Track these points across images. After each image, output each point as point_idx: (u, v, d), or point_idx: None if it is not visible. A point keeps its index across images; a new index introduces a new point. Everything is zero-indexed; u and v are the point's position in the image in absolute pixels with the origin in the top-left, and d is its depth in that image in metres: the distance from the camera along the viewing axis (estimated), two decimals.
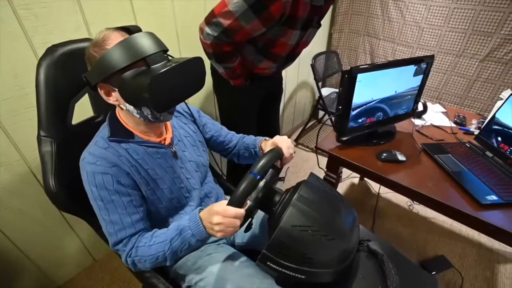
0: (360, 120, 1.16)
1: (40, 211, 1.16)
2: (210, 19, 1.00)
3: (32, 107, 1.00)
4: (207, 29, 1.01)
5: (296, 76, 2.44)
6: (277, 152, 0.73)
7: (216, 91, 1.41)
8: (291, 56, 1.27)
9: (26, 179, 1.08)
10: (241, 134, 1.03)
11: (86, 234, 1.36)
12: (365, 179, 2.08)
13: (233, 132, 1.02)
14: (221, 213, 0.60)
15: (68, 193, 0.70)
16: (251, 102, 1.37)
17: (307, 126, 2.68)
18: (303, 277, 0.58)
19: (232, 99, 1.35)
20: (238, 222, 0.60)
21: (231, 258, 0.78)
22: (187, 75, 0.63)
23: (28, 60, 0.94)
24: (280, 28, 1.05)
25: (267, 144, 0.88)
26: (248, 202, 0.64)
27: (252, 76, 1.26)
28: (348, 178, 2.11)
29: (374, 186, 2.03)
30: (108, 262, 1.47)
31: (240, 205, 0.62)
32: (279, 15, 0.97)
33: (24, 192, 1.08)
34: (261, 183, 0.67)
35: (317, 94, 2.24)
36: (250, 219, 0.67)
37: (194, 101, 1.60)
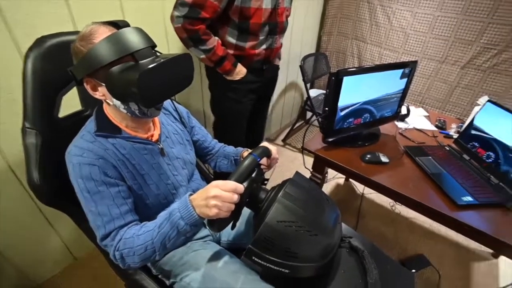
0: (348, 121, 1.19)
1: (19, 209, 1.12)
2: (176, 3, 1.05)
3: (11, 100, 0.97)
4: (175, 13, 1.05)
5: (285, 77, 2.47)
6: (267, 148, 0.77)
7: (211, 89, 1.40)
8: (274, 26, 1.23)
9: (4, 176, 1.04)
10: (222, 144, 1.05)
11: (66, 232, 1.33)
12: (350, 179, 2.13)
13: (216, 140, 1.04)
14: (220, 185, 0.59)
15: (52, 186, 0.68)
16: (245, 102, 1.37)
17: (295, 127, 2.71)
18: (287, 271, 0.60)
19: (226, 97, 1.34)
20: (235, 198, 0.59)
21: (217, 254, 0.78)
22: (175, 71, 0.63)
23: (9, 52, 0.91)
24: None
25: None
26: (245, 185, 0.63)
27: (247, 66, 1.26)
28: (334, 178, 2.16)
29: (359, 187, 2.08)
30: (89, 261, 1.44)
31: (241, 182, 0.61)
32: None
33: (1, 189, 1.05)
34: (254, 174, 0.67)
35: (305, 95, 2.27)
36: (239, 213, 0.68)
37: (181, 95, 1.59)
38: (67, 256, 1.40)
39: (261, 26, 1.17)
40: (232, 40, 1.18)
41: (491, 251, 1.65)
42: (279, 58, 1.48)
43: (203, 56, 1.16)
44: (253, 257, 0.59)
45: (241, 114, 1.41)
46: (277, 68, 1.50)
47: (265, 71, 1.35)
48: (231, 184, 0.59)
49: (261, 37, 1.21)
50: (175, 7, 1.05)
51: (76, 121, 0.75)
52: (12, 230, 1.13)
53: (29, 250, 1.23)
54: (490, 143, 1.11)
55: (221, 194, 0.58)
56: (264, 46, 1.25)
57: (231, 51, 1.21)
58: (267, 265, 0.59)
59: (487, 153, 1.11)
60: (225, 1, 1.06)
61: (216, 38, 1.16)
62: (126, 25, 0.64)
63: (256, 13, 1.12)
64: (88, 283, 1.36)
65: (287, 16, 1.30)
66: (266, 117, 1.70)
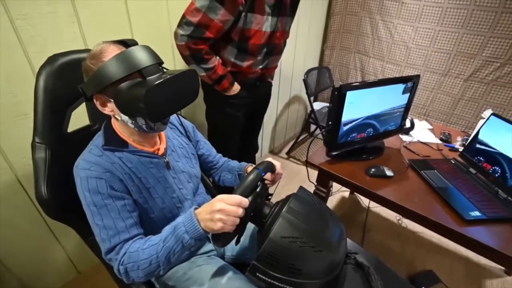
0: (352, 135, 1.19)
1: (25, 221, 1.13)
2: (181, 22, 1.07)
3: (22, 116, 1.00)
4: (180, 31, 1.07)
5: (289, 90, 2.50)
6: (272, 163, 0.78)
7: (205, 100, 1.44)
8: (272, 47, 1.28)
9: (13, 188, 1.06)
10: (226, 158, 1.06)
11: (71, 246, 1.33)
12: (355, 193, 2.11)
13: (220, 154, 1.06)
14: (225, 199, 0.59)
15: (60, 200, 0.69)
16: (238, 114, 1.40)
17: (299, 140, 2.72)
18: None
19: (219, 109, 1.38)
20: (240, 211, 0.59)
21: (221, 270, 0.78)
22: (181, 87, 0.65)
23: (23, 69, 0.95)
24: (248, 15, 1.10)
25: None
26: (249, 199, 0.63)
27: (241, 82, 1.29)
28: (338, 192, 2.14)
29: (364, 200, 2.06)
30: (93, 275, 1.43)
31: (245, 196, 0.61)
32: None
33: (10, 201, 1.06)
34: (258, 189, 0.67)
35: (309, 108, 2.29)
36: (244, 227, 0.68)
37: (186, 109, 1.61)
38: (71, 270, 1.40)
39: (259, 47, 1.21)
40: (230, 58, 1.22)
41: (503, 268, 1.60)
42: (272, 78, 1.52)
43: (203, 74, 1.19)
44: (257, 273, 0.59)
45: (233, 125, 1.44)
46: (269, 85, 1.54)
47: (258, 88, 1.39)
48: (236, 198, 0.59)
49: (259, 58, 1.25)
50: (180, 26, 1.07)
51: (84, 135, 0.77)
52: (17, 240, 1.14)
53: (33, 262, 1.23)
54: (495, 157, 1.10)
55: (226, 207, 0.58)
56: (260, 66, 1.29)
57: (228, 68, 1.24)
58: (271, 281, 0.58)
59: (493, 167, 1.10)
60: (230, 22, 1.09)
61: (218, 58, 1.19)
62: (135, 43, 0.67)
63: (256, 35, 1.16)
64: None
65: (285, 39, 1.35)
66: (258, 133, 1.74)
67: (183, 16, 1.06)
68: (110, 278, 0.78)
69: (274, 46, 1.28)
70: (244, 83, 1.30)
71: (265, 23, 1.15)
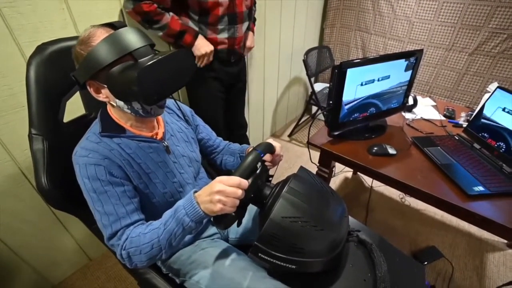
0: (354, 116, 1.17)
1: (33, 211, 1.15)
2: None
3: (20, 107, 0.99)
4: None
5: (289, 72, 2.45)
6: (271, 144, 0.77)
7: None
8: (233, 16, 1.26)
9: (17, 180, 1.07)
10: (227, 141, 1.05)
11: (80, 234, 1.36)
12: (358, 173, 2.11)
13: (220, 138, 1.05)
14: (224, 180, 0.59)
15: (61, 190, 0.69)
16: (216, 89, 1.41)
17: (301, 121, 2.69)
18: (294, 267, 0.59)
19: (197, 87, 1.39)
20: (240, 192, 0.58)
21: (225, 252, 0.79)
22: (174, 67, 0.63)
23: (16, 59, 0.93)
24: None
25: None
26: (249, 181, 0.63)
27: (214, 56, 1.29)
28: (342, 172, 2.14)
29: (367, 180, 2.06)
30: (103, 261, 1.47)
31: (245, 177, 0.61)
32: None
33: (15, 193, 1.08)
34: (258, 170, 0.67)
35: (310, 90, 2.25)
36: (245, 209, 0.68)
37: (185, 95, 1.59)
38: (82, 257, 1.44)
39: (219, 18, 1.21)
40: (194, 27, 1.22)
41: (505, 241, 1.61)
42: (244, 51, 1.49)
43: (160, 33, 1.16)
44: (259, 254, 0.59)
45: (213, 100, 1.45)
46: (243, 59, 1.55)
47: (232, 63, 1.41)
48: (234, 179, 0.59)
49: (220, 27, 1.24)
50: None
51: (81, 125, 0.76)
52: (27, 232, 1.17)
53: (45, 251, 1.26)
54: (500, 133, 1.08)
55: (225, 189, 0.58)
56: (226, 35, 1.28)
57: None
58: (274, 261, 0.59)
59: (498, 143, 1.08)
60: None
61: (171, 14, 1.16)
62: (123, 25, 0.64)
63: (214, 7, 1.16)
64: (104, 283, 1.39)
65: (247, 6, 1.32)
66: (242, 108, 1.75)
67: None
68: (120, 264, 0.79)
69: (236, 15, 1.27)
70: (216, 56, 1.31)
71: None
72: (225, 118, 1.59)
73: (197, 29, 1.22)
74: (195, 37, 1.21)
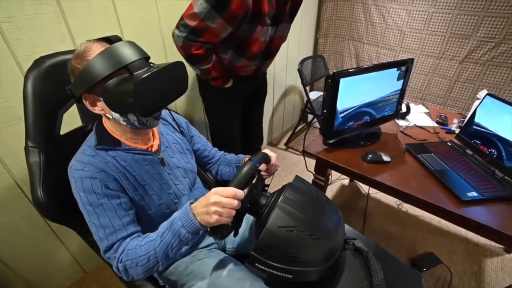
0: (349, 124, 1.19)
1: (28, 224, 1.14)
2: (179, 23, 1.06)
3: (17, 120, 0.99)
4: (177, 32, 1.06)
5: (284, 81, 2.49)
6: (266, 154, 0.78)
7: (201, 94, 1.44)
8: (268, 52, 1.28)
9: (12, 192, 1.07)
10: (223, 152, 1.06)
11: (76, 247, 1.34)
12: (355, 180, 2.12)
13: (216, 148, 1.05)
14: (220, 192, 0.59)
15: (57, 203, 0.70)
16: (234, 104, 1.40)
17: (297, 130, 2.71)
18: (290, 276, 0.59)
19: (215, 101, 1.38)
20: (235, 203, 0.59)
21: (222, 262, 0.79)
22: (170, 79, 0.64)
23: (13, 73, 0.94)
24: (249, 26, 1.08)
25: None
26: (245, 191, 0.63)
27: (234, 76, 1.29)
28: (338, 179, 2.15)
29: (364, 187, 2.07)
30: (99, 274, 1.45)
31: (241, 187, 0.61)
32: (242, 12, 1.01)
33: (10, 205, 1.07)
34: (254, 180, 0.67)
35: (306, 98, 2.28)
36: (241, 219, 0.68)
37: (182, 106, 1.61)
38: (77, 270, 1.42)
39: (256, 54, 1.22)
40: (226, 57, 1.22)
41: (502, 246, 1.62)
42: (265, 70, 1.51)
43: (198, 72, 1.20)
44: (256, 264, 0.59)
45: (231, 115, 1.44)
46: (264, 75, 1.54)
47: (251, 79, 1.40)
48: (231, 190, 0.59)
49: (254, 61, 1.26)
50: (177, 27, 1.06)
51: (77, 137, 0.76)
52: (21, 244, 1.15)
53: (39, 263, 1.24)
54: (491, 139, 1.10)
55: (221, 200, 0.58)
56: (254, 67, 1.30)
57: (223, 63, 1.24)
58: (271, 271, 0.59)
59: (490, 150, 1.10)
60: (228, 31, 1.07)
61: (213, 58, 1.17)
62: (118, 39, 0.66)
63: (255, 44, 1.16)
64: None
65: (282, 43, 1.34)
66: (260, 122, 1.73)
67: (182, 18, 1.04)
68: (116, 276, 0.79)
69: (271, 51, 1.30)
70: (237, 76, 1.30)
71: (265, 34, 1.15)
72: (241, 130, 1.57)
73: (228, 58, 1.21)
74: (226, 82, 1.26)
